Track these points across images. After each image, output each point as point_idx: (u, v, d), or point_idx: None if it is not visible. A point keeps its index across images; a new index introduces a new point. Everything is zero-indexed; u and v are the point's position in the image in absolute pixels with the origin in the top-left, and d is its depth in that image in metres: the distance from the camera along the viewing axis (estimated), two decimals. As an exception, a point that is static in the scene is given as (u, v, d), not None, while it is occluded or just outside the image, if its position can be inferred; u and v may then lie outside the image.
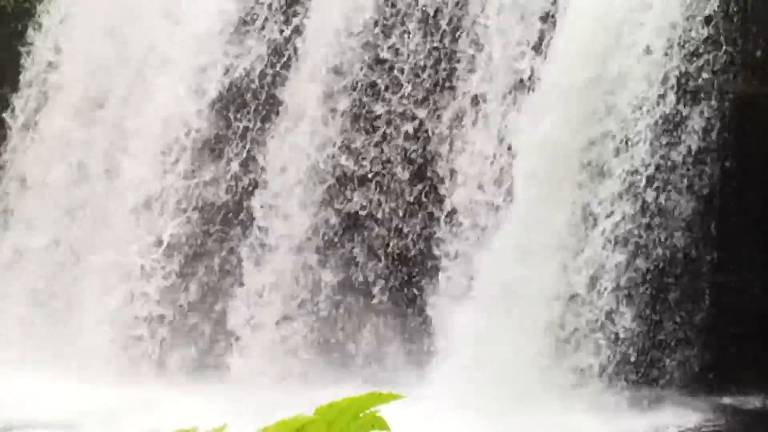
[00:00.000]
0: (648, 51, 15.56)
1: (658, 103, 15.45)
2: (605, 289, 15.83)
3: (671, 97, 15.43)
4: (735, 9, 15.63)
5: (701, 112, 15.23)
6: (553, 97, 16.63)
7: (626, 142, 15.69)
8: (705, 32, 15.56)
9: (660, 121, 15.40)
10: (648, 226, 15.64)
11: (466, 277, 17.14)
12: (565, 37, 16.42)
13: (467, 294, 17.01)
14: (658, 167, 15.73)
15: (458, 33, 17.62)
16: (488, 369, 16.14)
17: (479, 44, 17.30)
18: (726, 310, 15.33)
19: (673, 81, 15.43)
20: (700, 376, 15.14)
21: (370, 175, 17.64)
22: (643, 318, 15.45)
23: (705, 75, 15.31)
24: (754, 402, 15.05)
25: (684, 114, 15.34)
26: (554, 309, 15.80)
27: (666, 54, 15.48)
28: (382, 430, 1.73)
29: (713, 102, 15.19)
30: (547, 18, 16.72)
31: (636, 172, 15.72)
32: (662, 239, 15.64)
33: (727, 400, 15.06)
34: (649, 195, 15.68)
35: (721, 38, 15.63)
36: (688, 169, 15.51)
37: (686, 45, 15.53)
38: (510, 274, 16.57)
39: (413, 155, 17.44)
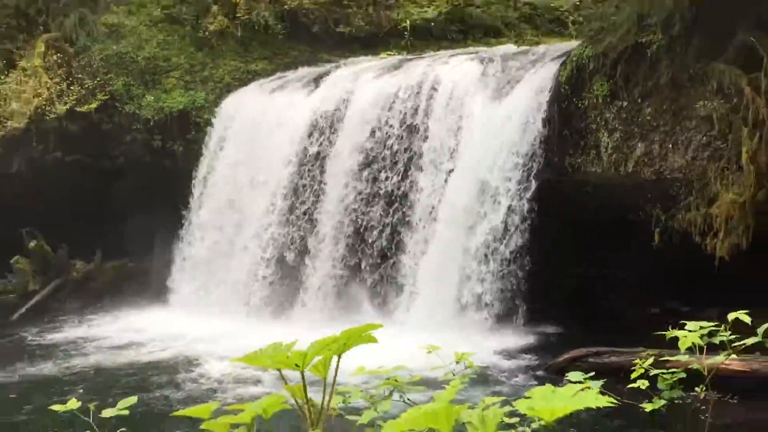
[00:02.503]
0: (502, 165, 16.10)
1: (510, 179, 16.11)
2: (491, 265, 16.16)
3: (517, 179, 16.01)
4: (548, 134, 15.90)
5: (534, 188, 15.88)
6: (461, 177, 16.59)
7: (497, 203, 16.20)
8: (534, 147, 15.83)
9: (517, 194, 16.07)
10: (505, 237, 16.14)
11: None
12: (463, 160, 16.55)
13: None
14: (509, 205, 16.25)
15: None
16: (432, 310, 16.21)
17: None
18: (541, 279, 16.06)
19: (518, 171, 15.98)
20: (528, 315, 16.08)
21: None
22: (502, 280, 16.09)
23: (534, 170, 15.86)
24: (552, 329, 15.99)
25: (527, 191, 16.00)
26: (468, 277, 16.25)
27: (516, 161, 16.01)
28: (373, 342, 2.25)
29: (532, 189, 15.91)
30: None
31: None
32: (513, 243, 16.11)
33: (540, 329, 15.93)
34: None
35: (540, 151, 15.84)
36: (532, 212, 15.97)
37: (524, 157, 16.00)
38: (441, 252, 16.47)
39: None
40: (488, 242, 16.36)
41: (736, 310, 3.70)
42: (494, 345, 15.18)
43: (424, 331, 14.42)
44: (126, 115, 20.02)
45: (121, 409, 3.30)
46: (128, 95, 20.12)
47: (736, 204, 13.89)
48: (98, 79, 20.11)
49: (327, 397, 2.65)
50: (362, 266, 17.47)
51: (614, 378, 4.69)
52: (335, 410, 3.28)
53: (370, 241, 17.47)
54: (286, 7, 21.83)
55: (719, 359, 3.53)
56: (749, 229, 13.79)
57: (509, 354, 14.94)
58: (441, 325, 15.69)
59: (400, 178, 17.37)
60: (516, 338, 15.72)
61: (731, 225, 13.94)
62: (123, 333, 17.13)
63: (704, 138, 14.76)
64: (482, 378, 13.15)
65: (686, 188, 14.93)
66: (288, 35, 21.99)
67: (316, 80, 19.05)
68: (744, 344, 3.54)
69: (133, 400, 3.31)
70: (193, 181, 19.26)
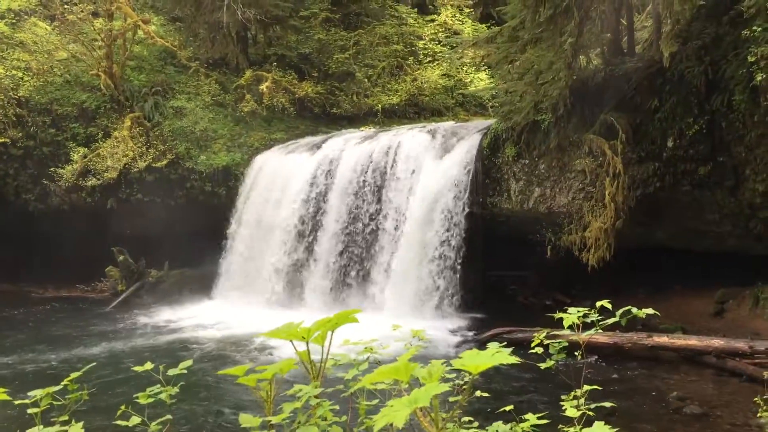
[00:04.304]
0: (444, 203, 16.00)
1: (454, 213, 16.29)
2: (438, 268, 15.90)
3: (454, 212, 15.94)
4: (475, 181, 16.05)
5: (465, 217, 16.06)
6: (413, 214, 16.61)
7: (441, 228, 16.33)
8: (465, 191, 15.78)
9: (454, 221, 16.15)
10: (446, 254, 16.08)
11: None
12: (417, 196, 16.46)
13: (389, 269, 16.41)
14: (449, 228, 16.59)
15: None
16: (399, 299, 15.88)
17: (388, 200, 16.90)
18: (471, 280, 15.90)
19: (455, 207, 15.97)
20: (463, 307, 15.77)
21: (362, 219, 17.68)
22: (449, 279, 15.86)
23: (465, 206, 16.14)
24: (479, 314, 15.56)
25: (461, 219, 15.95)
26: (423, 276, 16.03)
27: (453, 200, 16.07)
28: (355, 322, 2.31)
29: (465, 217, 16.10)
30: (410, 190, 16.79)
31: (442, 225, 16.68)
32: (452, 257, 15.91)
33: (469, 315, 15.65)
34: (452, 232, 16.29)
35: (469, 193, 16.34)
36: (465, 233, 16.02)
37: (458, 197, 15.96)
38: (404, 258, 16.17)
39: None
40: (436, 257, 16.15)
41: (603, 300, 3.74)
42: (443, 325, 15.09)
43: (397, 316, 13.97)
44: (186, 169, 19.91)
45: (181, 369, 3.28)
46: (188, 155, 20.02)
47: (602, 229, 14.00)
48: (167, 144, 20.04)
49: (324, 360, 2.68)
50: (349, 270, 17.20)
51: (521, 348, 4.68)
52: (329, 369, 3.29)
53: (355, 251, 17.27)
54: (296, 96, 21.92)
55: (590, 333, 3.55)
56: (611, 246, 13.90)
57: (452, 331, 14.83)
58: (408, 311, 15.50)
59: (374, 209, 17.21)
60: (456, 321, 15.56)
61: (599, 244, 14.03)
62: (181, 319, 16.96)
63: (580, 185, 14.89)
64: (440, 345, 13.27)
65: (568, 219, 14.98)
66: (297, 114, 22.05)
67: (318, 145, 19.02)
68: (606, 323, 3.55)
69: (189, 362, 3.29)
70: (232, 213, 19.13)
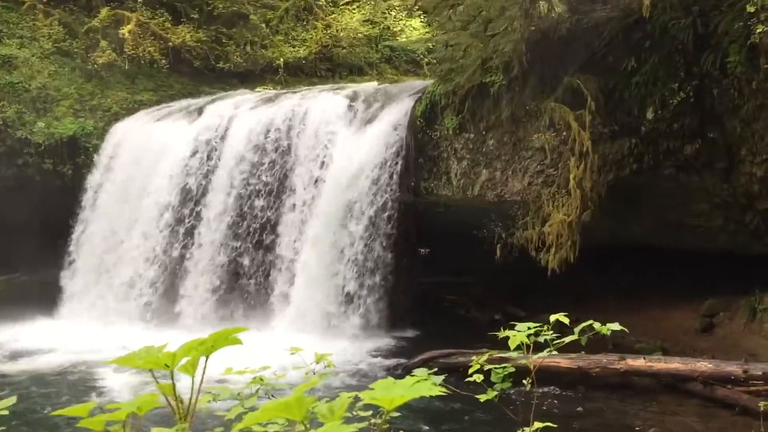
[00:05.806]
0: (364, 188, 16.26)
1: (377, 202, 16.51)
2: (356, 274, 16.08)
3: (376, 200, 16.06)
4: (405, 161, 16.27)
5: (392, 208, 16.25)
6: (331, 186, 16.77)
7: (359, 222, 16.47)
8: (392, 172, 16.00)
9: (378, 212, 16.44)
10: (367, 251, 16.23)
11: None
12: (330, 180, 16.54)
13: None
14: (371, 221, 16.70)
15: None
16: (304, 314, 16.03)
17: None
18: (402, 288, 16.16)
19: (378, 193, 16.18)
20: (389, 323, 16.02)
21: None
22: (371, 288, 16.00)
23: (392, 192, 16.28)
24: (411, 333, 16.01)
25: (387, 209, 16.06)
26: (336, 285, 16.20)
27: (378, 188, 16.35)
28: (238, 344, 2.16)
29: (392, 208, 16.19)
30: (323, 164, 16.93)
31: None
32: (375, 257, 16.13)
33: (396, 334, 15.90)
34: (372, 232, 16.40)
35: (397, 176, 16.16)
36: (392, 228, 16.29)
37: (383, 180, 16.06)
38: (312, 261, 16.38)
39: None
40: (353, 259, 16.26)
41: (563, 313, 3.82)
42: (363, 347, 15.24)
43: (302, 336, 14.18)
44: (18, 140, 19.34)
45: (2, 409, 3.16)
46: (20, 121, 19.47)
47: (565, 223, 14.32)
48: (-9, 106, 19.40)
49: (194, 394, 2.63)
50: (240, 278, 17.19)
51: (461, 375, 4.74)
52: (206, 408, 3.25)
53: (248, 252, 17.25)
54: (170, 44, 21.62)
55: (542, 355, 3.63)
56: (575, 245, 14.21)
57: (374, 354, 14.94)
58: (317, 329, 15.62)
59: (273, 198, 17.19)
60: (380, 341, 15.69)
61: (561, 241, 14.34)
62: (3, 342, 16.38)
63: (539, 166, 15.18)
64: (357, 374, 13.43)
65: (524, 209, 15.22)
66: (172, 69, 21.89)
67: (199, 110, 18.85)
68: (563, 342, 3.63)
69: (12, 400, 3.18)
70: (83, 200, 18.76)
